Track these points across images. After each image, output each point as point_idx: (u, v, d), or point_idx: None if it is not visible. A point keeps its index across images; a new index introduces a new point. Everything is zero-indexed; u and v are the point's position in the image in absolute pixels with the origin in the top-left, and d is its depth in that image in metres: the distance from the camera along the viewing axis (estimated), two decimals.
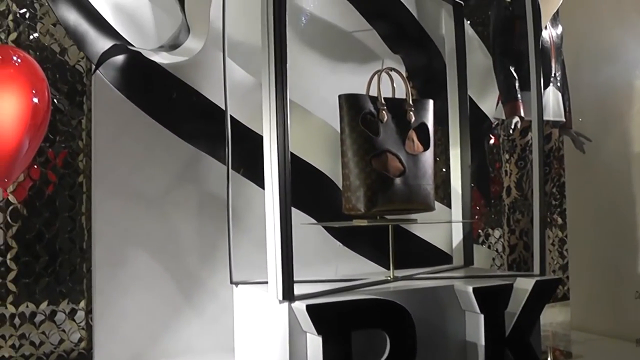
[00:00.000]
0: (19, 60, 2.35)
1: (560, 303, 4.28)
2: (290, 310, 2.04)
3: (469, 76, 3.01)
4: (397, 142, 2.37)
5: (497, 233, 4.31)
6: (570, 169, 3.96)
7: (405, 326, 2.13)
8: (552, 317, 4.02)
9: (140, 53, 2.37)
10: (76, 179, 2.83)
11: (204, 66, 2.59)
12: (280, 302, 2.07)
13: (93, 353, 2.60)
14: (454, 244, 2.97)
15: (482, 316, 2.33)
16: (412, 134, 2.43)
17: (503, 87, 3.14)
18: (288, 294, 2.05)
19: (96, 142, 2.61)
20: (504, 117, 3.18)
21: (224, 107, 2.52)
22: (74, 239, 2.85)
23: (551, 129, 3.44)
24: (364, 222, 2.36)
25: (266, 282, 2.15)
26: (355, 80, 2.85)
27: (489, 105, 3.39)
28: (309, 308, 1.98)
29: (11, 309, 2.73)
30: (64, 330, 2.83)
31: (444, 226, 3.04)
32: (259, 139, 2.18)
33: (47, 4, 2.46)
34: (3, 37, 2.66)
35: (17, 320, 2.74)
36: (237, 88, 2.60)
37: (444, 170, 3.72)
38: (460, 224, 2.93)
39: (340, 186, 2.48)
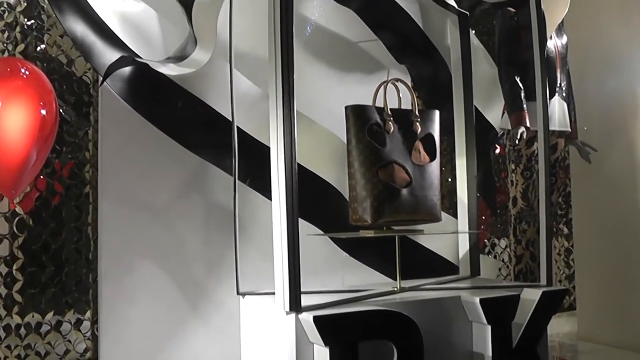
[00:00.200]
0: (27, 73, 2.36)
1: (566, 313, 4.27)
2: (298, 321, 2.04)
3: (475, 86, 3.01)
4: (403, 152, 2.38)
5: (503, 243, 4.31)
6: (576, 178, 3.96)
7: (412, 337, 2.13)
8: (558, 327, 4.01)
9: (147, 64, 2.37)
10: (82, 189, 2.83)
11: (209, 77, 2.60)
12: (287, 313, 2.06)
13: None
14: (461, 254, 2.97)
15: (489, 327, 2.33)
16: (419, 145, 2.43)
17: (508, 97, 3.15)
18: (295, 306, 2.05)
19: (102, 152, 2.62)
20: (509, 127, 3.19)
21: (229, 118, 2.53)
22: (80, 250, 2.86)
23: (557, 139, 3.44)
24: (370, 233, 2.37)
25: (273, 293, 2.15)
26: (362, 90, 2.85)
27: (495, 115, 3.39)
28: (316, 319, 1.98)
29: (17, 319, 2.73)
30: (69, 341, 2.83)
31: (450, 236, 3.04)
32: (265, 149, 2.19)
33: (54, 15, 2.47)
34: (10, 49, 2.67)
35: (22, 331, 2.74)
36: (243, 99, 2.61)
37: (449, 180, 3.72)
38: (467, 234, 2.93)
39: (346, 197, 2.48)
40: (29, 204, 2.75)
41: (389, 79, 2.46)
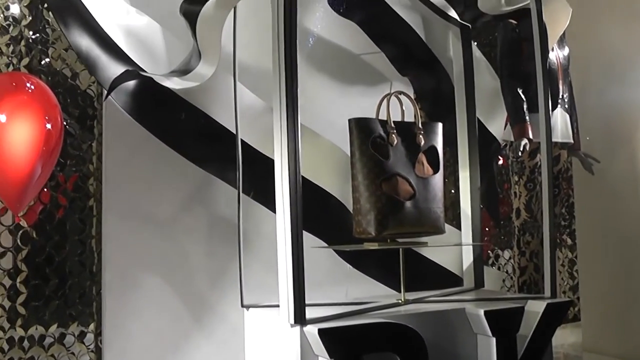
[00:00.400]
0: (33, 87, 2.38)
1: (571, 324, 4.26)
2: (302, 334, 2.04)
3: (477, 98, 3.02)
4: (407, 165, 2.38)
5: (506, 254, 4.30)
6: (579, 189, 3.97)
7: (417, 350, 2.12)
8: (563, 338, 4.00)
9: (151, 78, 2.39)
10: (86, 202, 2.84)
11: (213, 89, 2.61)
12: (292, 326, 2.06)
13: None
14: (465, 266, 2.97)
15: (494, 339, 2.32)
16: (422, 157, 2.44)
17: (511, 109, 3.16)
18: (300, 318, 2.04)
19: (106, 165, 2.62)
20: (512, 139, 3.19)
21: (233, 130, 2.54)
22: (84, 262, 2.86)
23: (560, 150, 3.44)
24: (374, 246, 2.37)
25: (277, 306, 2.15)
26: (364, 102, 2.86)
27: (497, 126, 3.40)
28: (321, 332, 1.98)
29: (20, 331, 2.73)
30: (73, 353, 2.83)
31: (454, 248, 3.04)
32: (269, 162, 2.19)
33: (59, 29, 2.48)
34: (15, 62, 2.69)
35: (26, 343, 2.74)
36: (247, 111, 2.62)
37: (452, 191, 3.72)
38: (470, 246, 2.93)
39: (350, 209, 2.49)
40: (33, 217, 2.75)
41: (392, 91, 2.48)
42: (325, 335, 1.98)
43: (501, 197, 3.93)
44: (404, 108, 2.49)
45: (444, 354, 2.29)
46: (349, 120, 2.36)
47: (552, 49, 3.21)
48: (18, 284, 2.72)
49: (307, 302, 2.06)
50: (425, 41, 3.28)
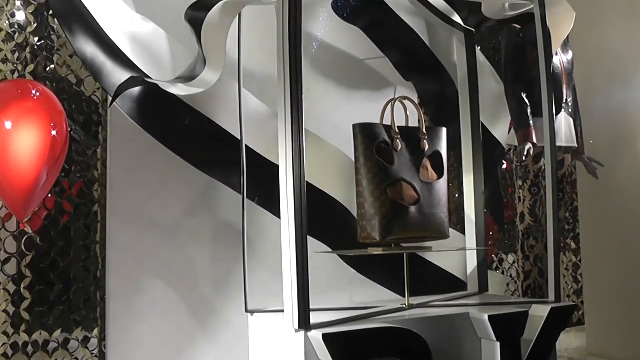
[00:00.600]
0: (38, 94, 2.39)
1: (575, 328, 4.25)
2: (307, 339, 2.04)
3: (481, 102, 3.02)
4: (411, 170, 2.39)
5: (510, 258, 4.30)
6: (583, 193, 3.96)
7: (421, 354, 2.13)
8: (567, 342, 3.99)
9: (156, 84, 2.39)
10: (91, 208, 2.84)
11: (218, 95, 2.61)
12: (297, 331, 2.06)
13: None
14: (469, 271, 2.96)
15: (498, 344, 2.32)
16: (426, 162, 2.44)
17: (515, 114, 3.16)
18: (304, 323, 2.05)
19: (111, 171, 2.64)
20: (516, 144, 3.19)
21: (238, 136, 2.55)
22: (89, 268, 2.86)
23: (564, 154, 3.44)
24: (379, 251, 2.37)
25: (281, 311, 2.15)
26: (369, 107, 2.87)
27: (502, 131, 3.40)
28: (326, 337, 1.98)
29: (24, 337, 2.73)
30: (77, 358, 2.83)
31: (458, 253, 3.04)
32: (274, 167, 2.20)
33: (65, 36, 2.49)
34: (20, 69, 2.69)
35: (30, 349, 2.74)
36: (251, 117, 2.62)
37: (457, 196, 3.72)
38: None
39: (354, 214, 2.49)
40: (37, 222, 2.76)
41: (396, 97, 2.48)
42: (329, 340, 1.98)
43: (505, 202, 3.93)
44: (408, 113, 2.49)
45: (448, 359, 2.29)
46: (354, 126, 2.37)
47: (556, 54, 3.21)
48: (22, 290, 2.72)
49: (311, 307, 2.06)
50: (430, 46, 3.29)
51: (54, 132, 2.34)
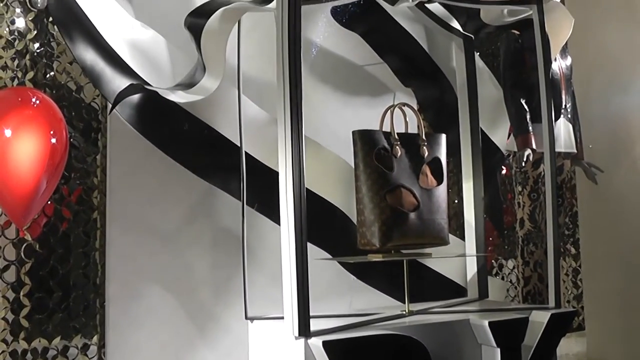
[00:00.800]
0: (38, 102, 2.38)
1: (575, 333, 4.24)
2: (307, 346, 2.04)
3: (481, 108, 3.03)
4: (410, 177, 2.39)
5: (510, 264, 4.29)
6: (582, 198, 3.96)
7: None
8: (568, 348, 3.98)
9: (156, 91, 2.40)
10: (91, 215, 2.83)
11: (217, 102, 2.62)
12: (297, 338, 2.06)
13: None
14: (469, 277, 2.97)
15: (498, 350, 2.32)
16: (426, 169, 2.45)
17: (514, 119, 3.16)
18: (304, 330, 2.05)
19: (111, 178, 2.64)
20: (515, 150, 3.19)
21: (237, 142, 2.55)
22: (88, 275, 2.85)
23: (563, 160, 3.44)
24: (379, 257, 2.37)
25: (281, 318, 2.15)
26: (368, 113, 2.88)
27: (501, 136, 3.40)
28: (326, 344, 1.98)
29: (23, 344, 2.71)
30: None
31: (458, 259, 3.04)
32: (273, 173, 2.20)
33: (64, 43, 2.49)
34: (20, 76, 2.69)
35: (29, 356, 2.72)
36: (251, 123, 2.63)
37: (456, 201, 3.72)
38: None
39: (354, 220, 2.49)
40: (37, 230, 2.75)
41: (396, 103, 2.48)
42: (329, 347, 1.98)
43: (505, 207, 3.93)
44: (407, 120, 2.50)
45: None
46: (353, 132, 2.38)
47: (555, 59, 3.21)
48: (21, 297, 2.71)
49: (311, 313, 2.06)
50: (428, 52, 3.29)
51: (53, 140, 2.34)
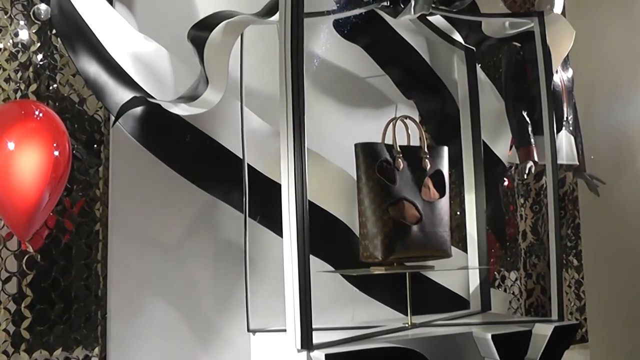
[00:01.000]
0: (41, 115, 2.40)
1: (579, 345, 4.22)
2: (309, 359, 2.02)
3: (482, 120, 3.03)
4: (413, 189, 2.39)
5: (512, 275, 4.28)
6: (584, 210, 3.96)
7: None
8: None
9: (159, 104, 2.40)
10: (93, 227, 2.84)
11: (220, 114, 2.62)
12: (299, 351, 2.05)
13: None
14: (471, 289, 2.96)
15: None
16: (428, 181, 2.45)
17: (516, 132, 3.17)
18: (307, 343, 2.03)
19: (113, 190, 2.64)
20: (517, 162, 3.20)
21: (239, 154, 2.55)
22: (90, 286, 2.85)
23: (565, 172, 3.44)
24: (381, 270, 2.37)
25: (284, 330, 2.14)
26: (370, 125, 2.89)
27: (503, 148, 3.41)
28: (329, 357, 1.98)
29: (24, 356, 2.71)
30: None
31: (460, 271, 3.03)
32: (275, 186, 2.20)
33: (67, 55, 2.50)
34: (23, 88, 2.70)
35: None
36: (253, 135, 2.63)
37: (458, 213, 3.72)
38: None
39: (356, 232, 2.48)
40: (39, 241, 2.75)
41: (398, 116, 2.49)
42: None
43: (507, 219, 3.93)
44: (409, 132, 2.50)
45: None
46: (355, 145, 2.38)
47: (556, 71, 3.22)
48: (23, 309, 2.71)
49: (313, 326, 2.05)
50: (430, 64, 3.30)
51: (56, 153, 2.35)
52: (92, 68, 2.36)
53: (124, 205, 2.62)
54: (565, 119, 3.27)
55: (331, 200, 2.80)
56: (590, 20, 3.82)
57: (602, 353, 3.79)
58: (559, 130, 3.18)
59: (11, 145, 2.28)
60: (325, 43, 3.08)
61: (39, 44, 2.75)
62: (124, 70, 2.42)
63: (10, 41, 2.72)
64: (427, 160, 2.45)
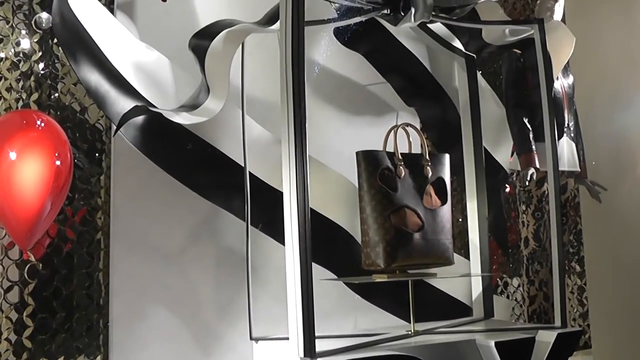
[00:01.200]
0: (43, 124, 2.39)
1: (582, 352, 4.20)
2: None
3: (484, 127, 3.03)
4: (415, 197, 2.39)
5: (515, 282, 4.27)
6: (586, 216, 3.96)
7: None
8: None
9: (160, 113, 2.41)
10: (94, 235, 2.83)
11: (221, 122, 2.63)
12: (302, 359, 2.04)
13: None
14: (474, 296, 2.96)
15: None
16: (430, 189, 2.45)
17: (517, 138, 3.17)
18: (309, 351, 2.03)
19: (115, 199, 2.64)
20: (519, 168, 3.20)
21: (241, 162, 2.55)
22: (91, 295, 2.84)
23: (566, 179, 3.44)
24: (384, 277, 2.37)
25: (286, 338, 2.14)
26: (372, 132, 2.89)
27: (504, 155, 3.41)
28: None
29: None
30: None
31: (463, 278, 3.03)
32: (277, 193, 2.20)
33: (69, 64, 2.51)
34: (25, 97, 2.71)
35: None
36: (255, 144, 2.63)
37: (460, 220, 3.72)
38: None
39: (358, 240, 2.48)
40: (40, 250, 2.75)
41: (399, 123, 2.49)
42: None
43: (509, 225, 3.92)
44: (411, 140, 2.50)
45: None
46: (357, 153, 2.38)
47: (557, 78, 3.22)
48: (25, 318, 2.70)
49: (316, 334, 2.05)
50: (431, 71, 3.31)
51: (58, 162, 2.34)
52: (94, 77, 2.37)
53: (125, 213, 2.63)
54: (566, 125, 3.27)
55: (333, 208, 2.80)
56: (590, 26, 3.83)
57: (606, 359, 3.78)
58: (560, 137, 3.18)
59: (13, 155, 2.27)
60: (326, 51, 3.08)
61: (40, 53, 2.75)
62: (126, 79, 2.42)
63: (12, 50, 2.72)
64: (428, 167, 2.46)
